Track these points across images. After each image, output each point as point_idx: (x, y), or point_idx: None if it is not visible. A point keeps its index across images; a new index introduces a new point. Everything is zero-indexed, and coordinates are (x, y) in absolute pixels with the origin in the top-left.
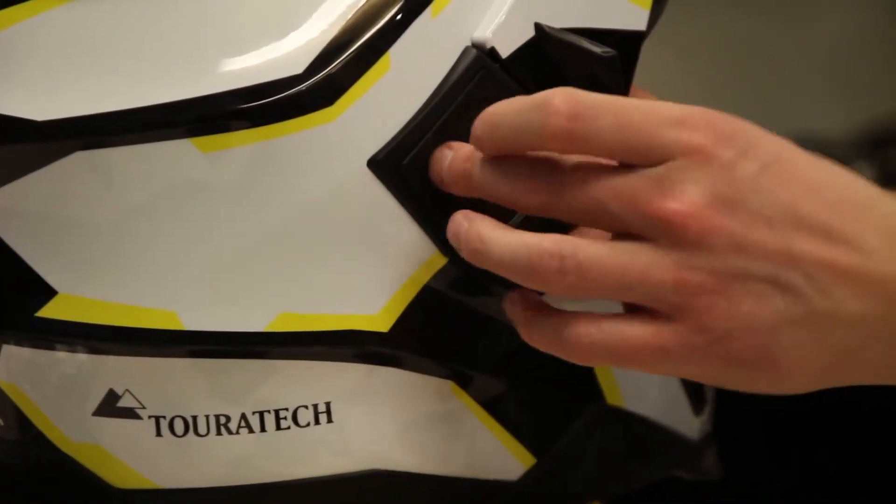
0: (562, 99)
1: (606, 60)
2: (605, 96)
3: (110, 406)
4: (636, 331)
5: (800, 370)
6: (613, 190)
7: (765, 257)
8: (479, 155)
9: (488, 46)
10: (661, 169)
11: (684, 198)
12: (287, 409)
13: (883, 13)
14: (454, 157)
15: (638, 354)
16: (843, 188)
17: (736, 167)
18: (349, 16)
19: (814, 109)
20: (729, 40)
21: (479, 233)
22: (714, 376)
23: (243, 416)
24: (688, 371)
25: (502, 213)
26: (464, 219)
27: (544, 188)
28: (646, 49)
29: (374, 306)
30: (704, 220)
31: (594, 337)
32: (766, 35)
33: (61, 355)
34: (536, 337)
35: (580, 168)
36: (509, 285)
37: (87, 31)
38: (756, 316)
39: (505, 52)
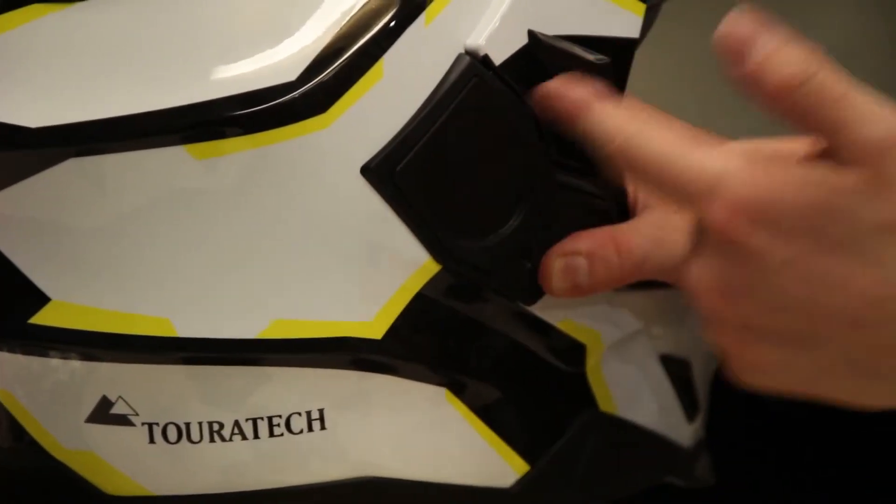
0: None
1: (600, 67)
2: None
3: (103, 413)
4: None
5: None
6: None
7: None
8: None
9: (482, 53)
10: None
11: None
12: (280, 416)
13: (876, 21)
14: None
15: None
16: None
17: (755, 257)
18: (343, 23)
19: None
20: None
21: None
22: None
23: (236, 423)
24: None
25: (489, 223)
26: None
27: None
28: (641, 56)
29: (367, 313)
30: (712, 301)
31: None
32: None
33: (54, 362)
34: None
35: None
36: (502, 293)
37: (80, 38)
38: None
39: (498, 59)
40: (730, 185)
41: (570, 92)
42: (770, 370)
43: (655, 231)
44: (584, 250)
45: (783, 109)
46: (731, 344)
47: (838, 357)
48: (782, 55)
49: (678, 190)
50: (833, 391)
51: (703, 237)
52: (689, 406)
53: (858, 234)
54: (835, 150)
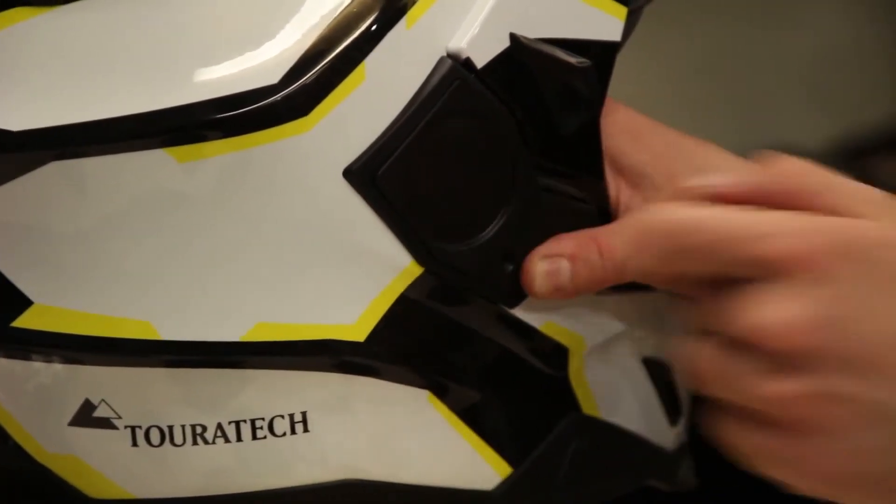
0: None
1: (581, 71)
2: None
3: (86, 416)
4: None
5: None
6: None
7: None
8: None
9: (463, 56)
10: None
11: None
12: (263, 419)
13: (863, 23)
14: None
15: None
16: None
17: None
18: (324, 26)
19: (794, 120)
20: (707, 51)
21: None
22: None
23: (219, 426)
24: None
25: (471, 226)
26: None
27: None
28: (624, 59)
29: (350, 316)
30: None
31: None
32: (745, 45)
33: (37, 365)
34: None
35: None
36: (485, 295)
37: (62, 42)
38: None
39: (480, 62)
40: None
41: None
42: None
43: (638, 234)
44: (566, 252)
45: None
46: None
47: None
48: None
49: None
50: None
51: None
52: (672, 409)
53: None
54: None
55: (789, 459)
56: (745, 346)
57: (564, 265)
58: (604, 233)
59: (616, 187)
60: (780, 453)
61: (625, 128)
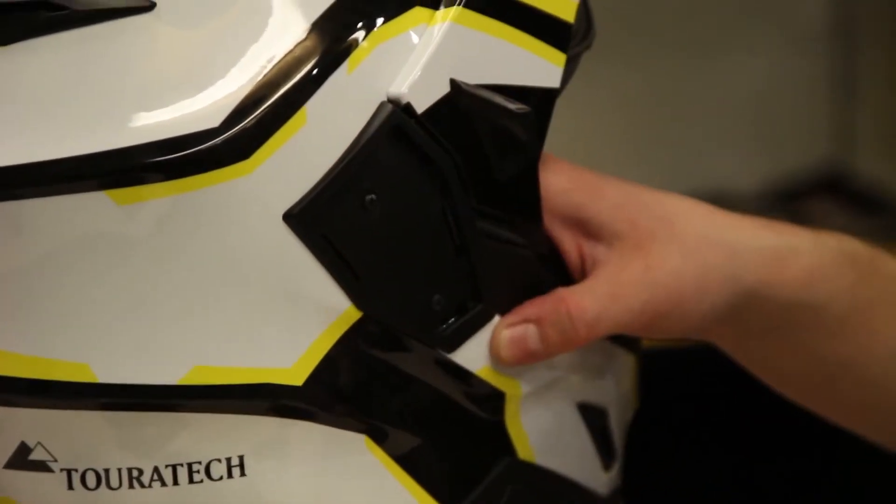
0: None
1: (521, 117)
2: None
3: (22, 459)
4: None
5: None
6: None
7: None
8: None
9: (404, 102)
10: None
11: None
12: (200, 463)
13: (799, 65)
14: None
15: None
16: None
17: None
18: (266, 71)
19: (729, 161)
20: (643, 92)
21: None
22: None
23: (156, 470)
24: None
25: (410, 270)
26: None
27: None
28: (561, 102)
29: (288, 360)
30: None
31: None
32: (680, 86)
33: None
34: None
35: None
36: (422, 340)
37: (0, 84)
38: None
39: (421, 107)
40: None
41: None
42: None
43: (610, 287)
44: (532, 317)
45: None
46: None
47: None
48: None
49: None
50: None
51: None
52: (606, 454)
53: None
54: None
55: None
56: None
57: (531, 329)
58: (572, 292)
59: (576, 242)
60: None
61: (578, 183)
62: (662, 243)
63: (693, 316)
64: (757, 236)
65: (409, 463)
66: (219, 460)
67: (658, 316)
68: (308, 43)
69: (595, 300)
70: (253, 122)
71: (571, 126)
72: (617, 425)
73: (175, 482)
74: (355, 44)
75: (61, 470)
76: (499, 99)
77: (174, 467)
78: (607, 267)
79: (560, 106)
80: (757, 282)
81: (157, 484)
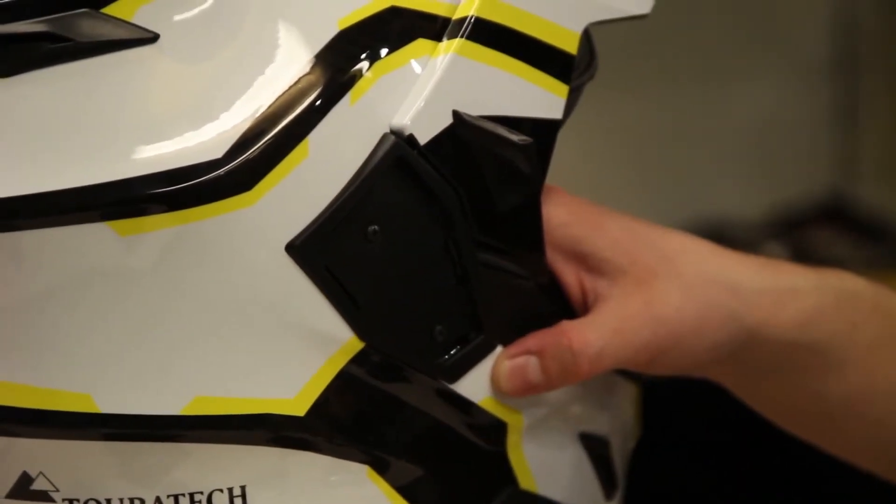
0: None
1: (523, 148)
2: None
3: (23, 489)
4: None
5: None
6: None
7: None
8: None
9: (406, 133)
10: None
11: None
12: (202, 493)
13: (800, 95)
14: None
15: None
16: None
17: None
18: (270, 103)
19: (731, 190)
20: (644, 122)
21: None
22: None
23: (158, 500)
24: None
25: (412, 300)
26: None
27: None
28: (562, 133)
29: (290, 390)
30: None
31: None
32: (681, 116)
33: None
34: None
35: None
36: (424, 371)
37: (2, 115)
38: None
39: (423, 138)
40: None
41: None
42: None
43: (614, 321)
44: (534, 349)
45: None
46: None
47: None
48: None
49: None
50: None
51: None
52: (608, 483)
53: None
54: None
55: None
56: None
57: (532, 361)
58: (575, 325)
59: (577, 276)
60: None
61: (578, 216)
62: (663, 280)
63: (693, 353)
64: (758, 276)
65: (412, 493)
66: (221, 490)
67: (659, 352)
68: (311, 75)
69: (598, 335)
70: (256, 153)
71: (574, 154)
72: (618, 454)
73: None
74: (358, 75)
75: (63, 500)
76: (501, 130)
77: (176, 497)
78: (609, 302)
79: (562, 134)
80: (757, 322)
81: None
